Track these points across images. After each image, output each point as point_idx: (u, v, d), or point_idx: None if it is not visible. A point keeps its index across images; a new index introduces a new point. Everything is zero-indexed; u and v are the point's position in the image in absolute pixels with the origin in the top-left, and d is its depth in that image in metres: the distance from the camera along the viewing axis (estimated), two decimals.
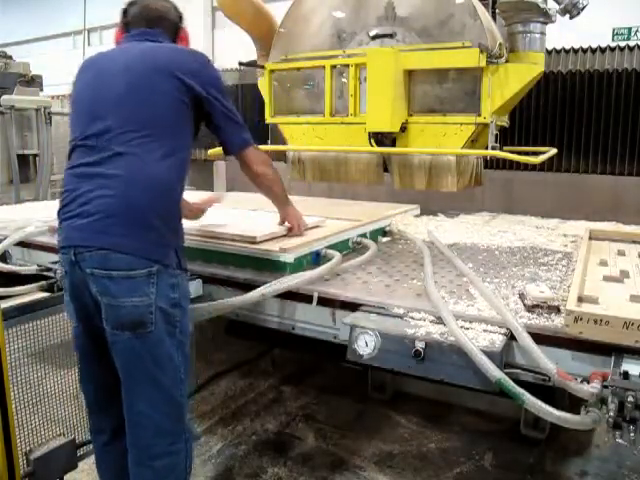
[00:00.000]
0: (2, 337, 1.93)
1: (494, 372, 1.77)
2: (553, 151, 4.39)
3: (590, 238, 3.07)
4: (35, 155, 7.60)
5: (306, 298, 2.36)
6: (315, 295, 2.35)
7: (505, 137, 4.92)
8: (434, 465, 3.03)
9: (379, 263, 2.83)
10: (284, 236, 2.78)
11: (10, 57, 8.30)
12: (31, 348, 2.38)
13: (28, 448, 2.22)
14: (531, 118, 4.95)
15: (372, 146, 4.16)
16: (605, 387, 1.65)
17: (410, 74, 4.14)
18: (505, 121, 4.41)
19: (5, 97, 7.17)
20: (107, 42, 15.82)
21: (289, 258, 2.54)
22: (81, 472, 2.81)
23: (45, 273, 2.89)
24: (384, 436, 3.30)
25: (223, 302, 2.34)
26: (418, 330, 2.01)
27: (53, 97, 10.18)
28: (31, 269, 2.99)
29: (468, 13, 3.95)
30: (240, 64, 5.45)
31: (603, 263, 2.59)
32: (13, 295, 2.81)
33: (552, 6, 4.01)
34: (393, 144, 4.22)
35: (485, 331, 1.99)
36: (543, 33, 4.04)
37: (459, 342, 1.88)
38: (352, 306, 2.26)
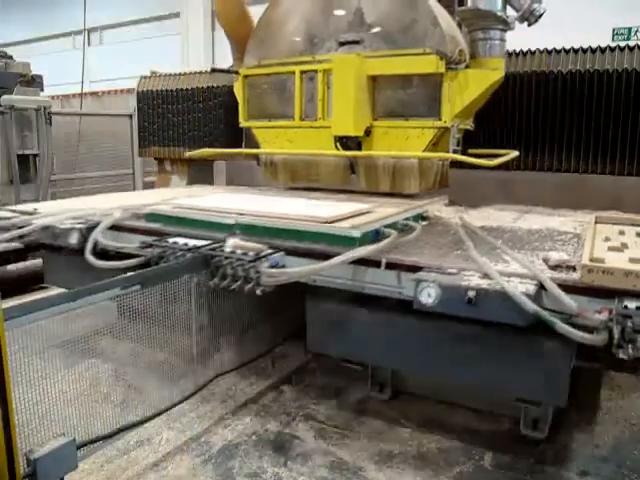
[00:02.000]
0: (4, 337, 1.94)
1: (532, 306, 2.38)
2: (513, 154, 4.56)
3: (596, 222, 3.64)
4: (35, 155, 7.59)
5: (375, 264, 2.95)
6: (383, 261, 2.92)
7: (507, 137, 4.99)
8: (434, 465, 3.03)
9: (426, 239, 3.42)
10: (348, 218, 3.38)
11: (10, 57, 8.29)
12: (32, 348, 2.39)
13: (29, 448, 2.22)
14: (531, 118, 4.95)
15: (338, 149, 4.34)
16: (611, 319, 2.29)
17: (375, 80, 4.32)
18: (469, 124, 4.61)
19: (5, 97, 7.17)
20: (107, 42, 15.84)
21: (357, 234, 3.13)
22: (81, 472, 2.82)
23: (142, 252, 3.47)
24: (384, 436, 3.30)
25: (311, 267, 2.98)
26: (470, 282, 2.60)
27: (53, 97, 10.18)
28: (133, 246, 3.60)
29: (429, 20, 4.11)
30: (213, 70, 5.68)
31: (607, 239, 3.12)
32: (121, 268, 3.33)
33: (513, 13, 4.13)
34: (359, 147, 4.40)
35: (521, 283, 2.56)
36: (503, 39, 4.24)
37: (503, 288, 2.47)
38: (414, 268, 2.85)
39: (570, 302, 2.39)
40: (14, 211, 4.45)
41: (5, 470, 1.97)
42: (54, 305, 2.42)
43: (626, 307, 2.30)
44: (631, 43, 4.69)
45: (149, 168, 8.92)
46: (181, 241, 3.43)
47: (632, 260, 2.57)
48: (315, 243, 3.21)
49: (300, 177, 4.86)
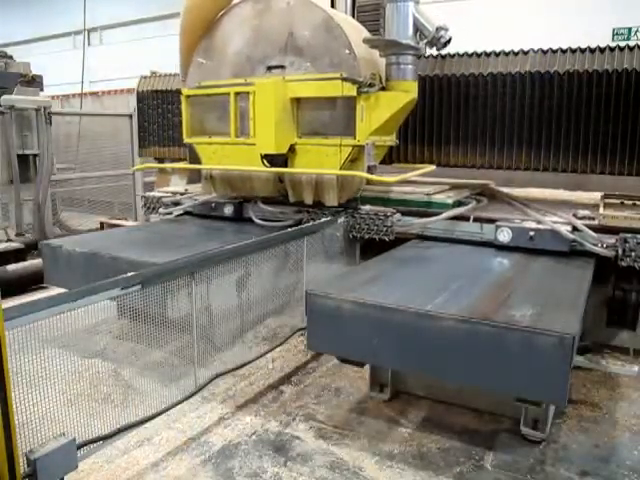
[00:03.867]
0: (4, 337, 1.94)
1: (571, 236, 3.93)
2: (428, 168, 4.99)
3: (604, 197, 4.83)
4: (35, 155, 7.59)
5: (465, 219, 4.41)
6: (472, 217, 4.38)
7: (509, 137, 5.02)
8: (434, 465, 3.03)
9: (492, 206, 4.85)
10: (437, 193, 4.84)
11: (10, 57, 8.30)
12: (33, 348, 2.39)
13: (29, 448, 2.22)
14: (533, 118, 4.95)
15: (265, 166, 4.70)
16: (616, 244, 3.83)
17: (298, 101, 4.66)
18: (393, 140, 4.93)
19: (5, 97, 7.17)
20: (107, 42, 15.84)
21: (451, 201, 4.64)
22: (81, 472, 2.82)
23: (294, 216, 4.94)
24: (384, 436, 3.30)
25: (425, 220, 4.46)
26: (530, 226, 4.09)
27: (53, 97, 10.18)
28: (291, 212, 4.96)
29: (344, 46, 4.42)
30: (155, 92, 6.41)
31: (612, 205, 4.49)
32: (278, 226, 4.76)
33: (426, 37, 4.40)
34: (285, 163, 4.76)
35: (561, 225, 4.02)
36: (415, 64, 4.53)
37: (552, 228, 3.99)
38: (491, 220, 4.30)
39: (593, 234, 3.91)
40: (168, 192, 5.91)
41: (5, 470, 1.97)
42: (54, 305, 2.42)
43: (625, 237, 3.83)
44: (631, 43, 4.69)
45: None
46: None
47: (628, 214, 4.10)
48: (423, 208, 4.66)
49: (237, 190, 5.25)
